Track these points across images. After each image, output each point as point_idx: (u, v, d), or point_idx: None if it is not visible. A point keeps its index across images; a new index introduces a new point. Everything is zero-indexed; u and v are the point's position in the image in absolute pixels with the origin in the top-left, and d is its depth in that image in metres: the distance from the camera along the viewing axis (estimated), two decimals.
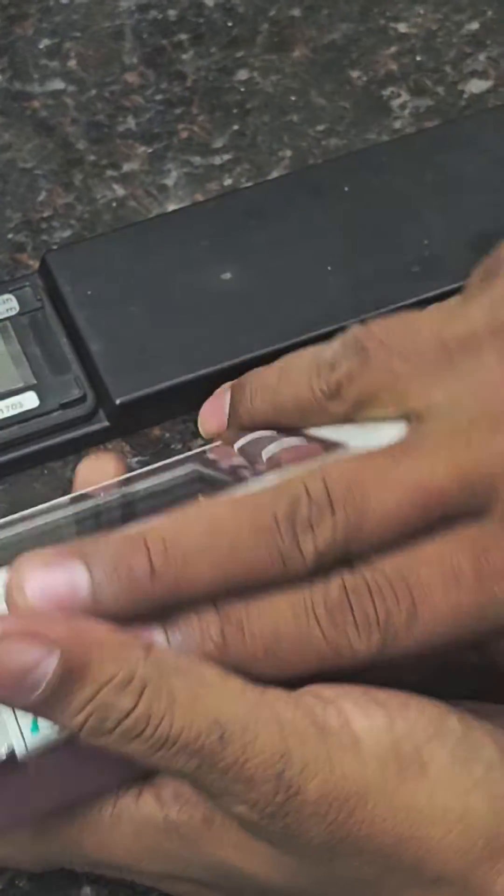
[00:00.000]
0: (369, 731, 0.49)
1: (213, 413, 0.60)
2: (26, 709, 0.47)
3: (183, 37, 0.75)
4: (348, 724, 0.49)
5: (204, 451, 0.56)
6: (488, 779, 0.50)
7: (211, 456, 0.56)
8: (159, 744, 0.47)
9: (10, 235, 0.70)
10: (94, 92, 0.74)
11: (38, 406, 0.64)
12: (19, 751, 0.48)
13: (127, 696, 0.46)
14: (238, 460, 0.55)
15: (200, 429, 0.62)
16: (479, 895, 0.50)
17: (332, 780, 0.48)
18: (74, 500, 0.55)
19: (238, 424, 0.58)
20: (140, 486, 0.56)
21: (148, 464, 0.57)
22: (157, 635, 0.50)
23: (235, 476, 0.54)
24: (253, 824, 0.49)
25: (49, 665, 0.45)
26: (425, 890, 0.50)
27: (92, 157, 0.72)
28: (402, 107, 0.73)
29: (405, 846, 0.49)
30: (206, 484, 0.55)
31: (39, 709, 0.46)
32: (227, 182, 0.71)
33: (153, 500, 0.54)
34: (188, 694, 0.47)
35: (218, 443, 0.57)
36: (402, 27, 0.75)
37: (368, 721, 0.49)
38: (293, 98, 0.73)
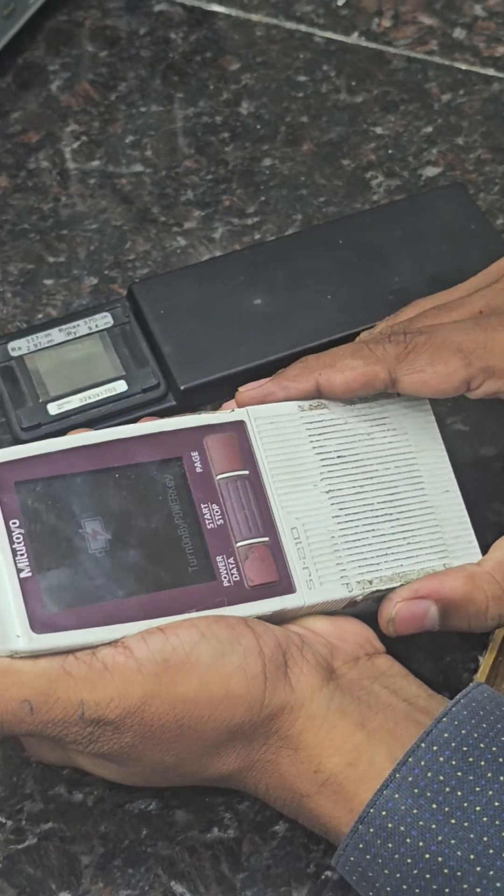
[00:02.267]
0: (147, 653, 0.48)
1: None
2: None
3: (225, 135, 0.75)
4: (131, 654, 0.48)
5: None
6: (244, 664, 0.49)
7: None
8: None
9: (106, 272, 0.70)
10: (163, 173, 0.74)
11: (127, 390, 0.63)
12: None
13: None
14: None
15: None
16: (261, 745, 0.50)
17: (121, 702, 0.48)
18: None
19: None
20: None
21: None
22: None
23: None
24: (83, 751, 0.49)
25: None
26: (212, 754, 0.50)
27: (163, 219, 0.72)
28: (379, 185, 0.73)
29: (185, 727, 0.49)
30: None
31: None
32: (257, 236, 0.71)
33: None
34: (0, 688, 0.48)
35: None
36: (379, 130, 0.75)
37: (147, 646, 0.49)
38: (302, 178, 0.73)
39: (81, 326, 0.65)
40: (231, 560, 0.51)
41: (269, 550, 0.52)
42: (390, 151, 0.74)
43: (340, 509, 0.54)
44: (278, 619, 0.52)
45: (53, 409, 0.63)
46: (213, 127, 0.76)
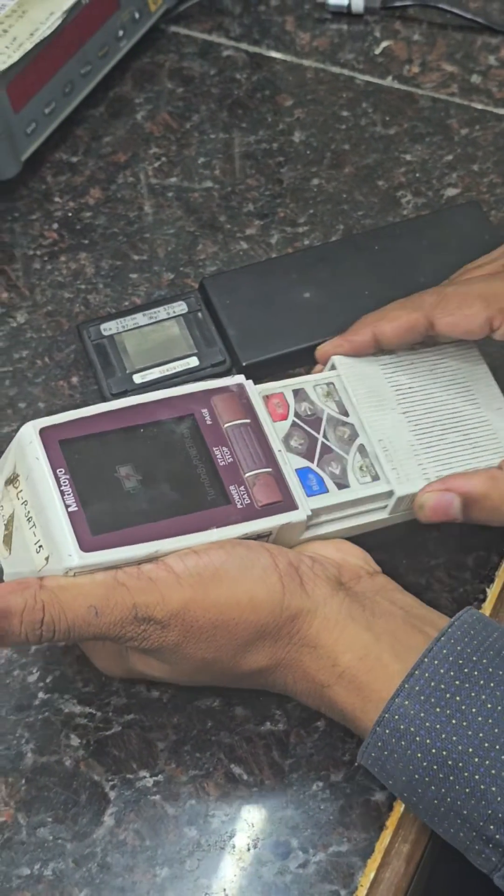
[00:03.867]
0: (184, 568, 0.49)
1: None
2: None
3: (281, 159, 0.75)
4: (170, 569, 0.49)
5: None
6: (263, 575, 0.50)
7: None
8: (67, 631, 0.48)
9: (181, 268, 0.70)
10: (229, 188, 0.74)
11: (198, 365, 0.64)
12: None
13: (37, 613, 0.48)
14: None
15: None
16: (286, 644, 0.50)
17: (166, 605, 0.49)
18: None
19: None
20: None
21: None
22: None
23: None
24: (137, 647, 0.50)
25: None
26: (245, 651, 0.50)
27: (228, 226, 0.72)
28: (408, 202, 0.73)
29: (219, 628, 0.49)
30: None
31: None
32: (306, 242, 0.71)
33: None
34: (70, 598, 0.48)
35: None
36: (408, 157, 0.75)
37: (183, 563, 0.49)
38: (344, 195, 0.73)
39: (161, 312, 0.65)
40: (242, 488, 0.52)
41: (272, 478, 0.53)
42: (417, 175, 0.75)
43: (416, 425, 0.56)
44: (287, 536, 0.53)
45: (137, 378, 0.63)
46: (271, 152, 0.76)
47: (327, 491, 0.54)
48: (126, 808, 0.53)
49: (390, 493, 0.55)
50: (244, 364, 0.64)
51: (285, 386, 0.56)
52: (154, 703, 0.56)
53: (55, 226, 0.73)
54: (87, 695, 0.56)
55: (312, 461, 0.55)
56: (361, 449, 0.56)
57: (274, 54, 0.81)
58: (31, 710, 0.55)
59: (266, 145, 0.76)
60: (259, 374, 0.64)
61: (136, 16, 0.78)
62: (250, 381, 0.55)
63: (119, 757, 0.54)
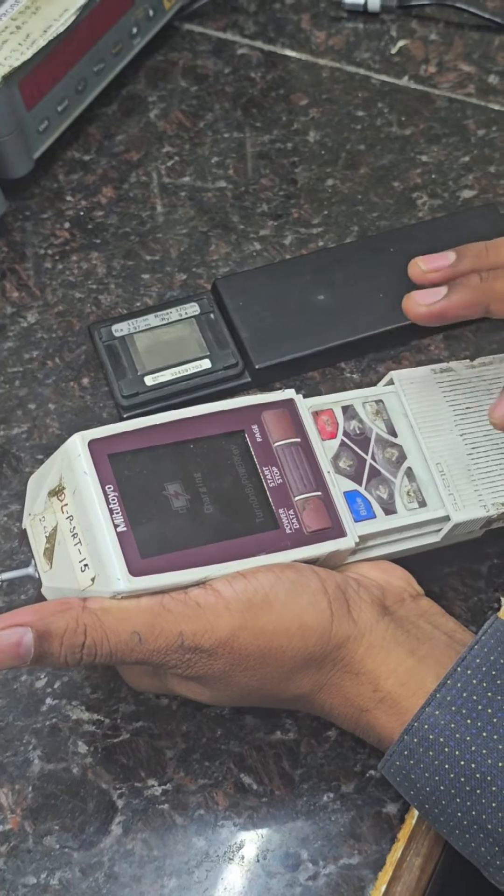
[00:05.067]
0: (233, 593, 0.48)
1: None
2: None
3: (295, 158, 0.75)
4: (219, 594, 0.48)
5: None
6: (313, 601, 0.49)
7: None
8: (108, 656, 0.47)
9: (193, 269, 0.69)
10: (243, 188, 0.73)
11: (210, 367, 0.63)
12: None
13: (78, 636, 0.47)
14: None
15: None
16: (329, 670, 0.49)
17: (214, 633, 0.48)
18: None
19: None
20: None
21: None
22: None
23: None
24: (180, 674, 0.49)
25: (29, 637, 0.46)
26: (289, 679, 0.49)
27: (241, 227, 0.71)
28: (424, 204, 0.72)
29: (267, 656, 0.48)
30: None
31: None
32: (320, 244, 0.70)
33: None
34: (113, 622, 0.47)
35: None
36: (424, 158, 0.74)
37: (232, 587, 0.48)
38: (359, 196, 0.72)
39: (173, 313, 0.65)
40: (291, 511, 0.51)
41: (322, 502, 0.52)
42: (433, 176, 0.74)
43: (473, 448, 0.55)
44: (333, 562, 0.52)
45: (149, 381, 0.63)
46: (285, 151, 0.75)
47: (375, 517, 0.53)
48: (134, 817, 0.52)
49: (445, 519, 0.54)
50: (257, 367, 0.64)
51: (335, 402, 0.55)
52: (163, 710, 0.55)
53: (67, 225, 0.72)
54: (95, 701, 0.55)
55: (360, 484, 0.53)
56: (409, 472, 0.54)
57: (289, 53, 0.81)
58: (38, 716, 0.55)
59: (280, 145, 0.76)
60: (271, 377, 0.64)
61: (151, 13, 0.77)
62: (300, 396, 0.54)
63: (127, 765, 0.54)
